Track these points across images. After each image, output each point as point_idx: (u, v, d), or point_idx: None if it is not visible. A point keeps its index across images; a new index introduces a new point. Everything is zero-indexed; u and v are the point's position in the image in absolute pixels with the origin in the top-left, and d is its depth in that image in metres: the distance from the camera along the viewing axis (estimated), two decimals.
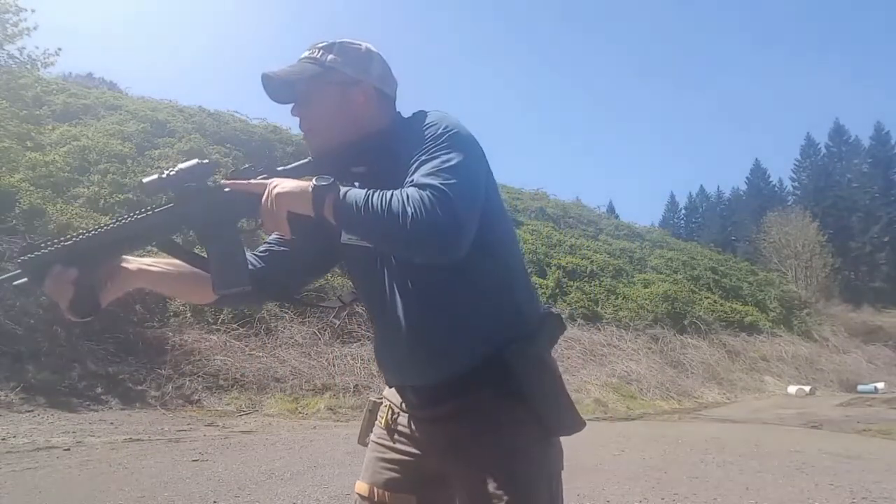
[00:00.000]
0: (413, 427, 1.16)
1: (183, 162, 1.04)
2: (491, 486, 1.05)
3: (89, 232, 1.00)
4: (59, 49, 10.84)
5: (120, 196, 10.06)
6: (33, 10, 10.33)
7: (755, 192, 49.73)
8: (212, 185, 1.06)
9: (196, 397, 7.06)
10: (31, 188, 8.89)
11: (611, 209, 35.60)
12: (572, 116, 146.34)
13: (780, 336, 17.50)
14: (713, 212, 52.94)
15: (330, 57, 1.12)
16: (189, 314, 8.32)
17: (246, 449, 5.18)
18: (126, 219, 1.01)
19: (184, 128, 13.70)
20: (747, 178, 51.49)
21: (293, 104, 1.16)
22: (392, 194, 0.94)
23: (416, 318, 1.08)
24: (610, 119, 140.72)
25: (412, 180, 0.97)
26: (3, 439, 4.81)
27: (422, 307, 1.07)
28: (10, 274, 0.98)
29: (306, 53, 1.15)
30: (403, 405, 1.19)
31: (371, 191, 0.95)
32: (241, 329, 8.52)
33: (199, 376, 7.32)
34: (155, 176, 1.01)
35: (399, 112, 1.18)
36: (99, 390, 6.55)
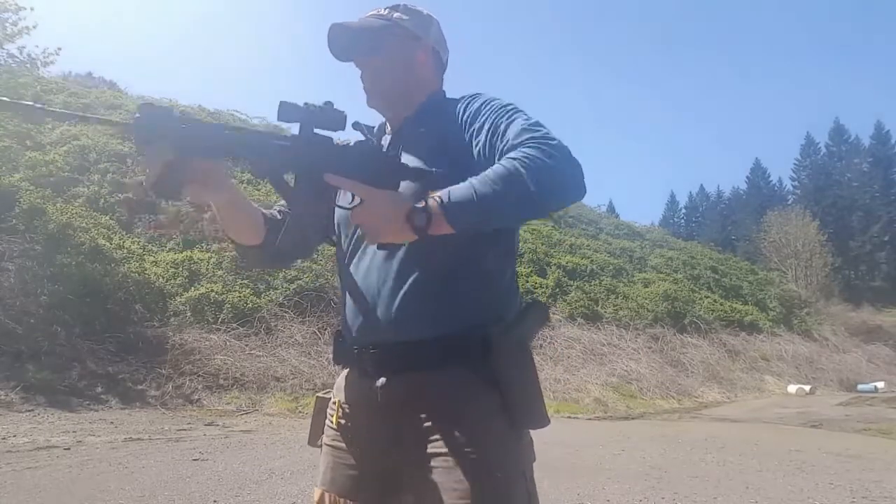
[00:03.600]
0: (370, 419, 1.08)
1: (320, 102, 0.97)
2: (466, 477, 0.97)
3: (212, 126, 0.95)
4: (59, 48, 10.83)
5: (120, 196, 10.06)
6: (32, 9, 10.33)
7: (755, 191, 49.76)
8: (338, 143, 1.01)
9: (196, 397, 7.06)
10: (31, 188, 8.89)
11: (611, 208, 35.72)
12: (572, 116, 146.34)
13: (780, 335, 17.49)
14: (713, 211, 52.93)
15: (396, 14, 1.15)
16: (189, 314, 8.33)
17: (246, 448, 5.18)
18: (251, 132, 0.97)
19: None
20: (747, 177, 51.60)
21: (357, 55, 1.17)
22: (493, 170, 0.90)
23: (405, 273, 1.05)
24: (610, 119, 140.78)
25: (504, 144, 0.96)
26: (4, 439, 4.81)
27: (413, 263, 1.04)
28: (126, 122, 0.91)
29: (371, 12, 1.17)
30: (359, 386, 1.10)
31: (471, 181, 0.90)
32: (241, 328, 8.51)
33: (199, 376, 7.31)
34: (295, 102, 0.96)
35: (443, 89, 1.22)
36: (99, 390, 6.56)
